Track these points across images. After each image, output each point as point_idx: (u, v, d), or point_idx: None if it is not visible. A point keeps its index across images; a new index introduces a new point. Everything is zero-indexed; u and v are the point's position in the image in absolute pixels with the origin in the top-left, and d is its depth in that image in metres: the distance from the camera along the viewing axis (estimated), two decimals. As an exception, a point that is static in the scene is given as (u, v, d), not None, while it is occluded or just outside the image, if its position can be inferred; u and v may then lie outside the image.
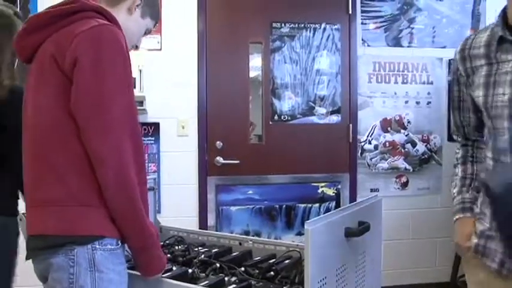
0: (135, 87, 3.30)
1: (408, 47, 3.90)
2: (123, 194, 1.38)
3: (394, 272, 3.76)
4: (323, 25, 3.78)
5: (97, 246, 1.38)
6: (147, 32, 1.73)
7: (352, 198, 3.79)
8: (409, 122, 3.88)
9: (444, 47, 3.92)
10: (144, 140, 3.50)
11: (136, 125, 1.48)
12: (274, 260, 1.81)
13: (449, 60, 3.91)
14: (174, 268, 1.76)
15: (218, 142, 3.61)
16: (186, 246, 2.05)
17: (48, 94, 1.40)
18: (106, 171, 1.35)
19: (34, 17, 1.49)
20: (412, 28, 3.89)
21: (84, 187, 1.38)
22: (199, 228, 3.38)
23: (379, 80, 3.85)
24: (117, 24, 1.51)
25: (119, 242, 1.43)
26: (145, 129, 3.52)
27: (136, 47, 1.73)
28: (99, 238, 1.38)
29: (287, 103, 3.74)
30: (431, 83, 3.92)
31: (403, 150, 3.88)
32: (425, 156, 3.92)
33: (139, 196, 1.41)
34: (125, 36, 1.50)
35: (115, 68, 1.38)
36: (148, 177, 2.43)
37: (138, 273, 1.55)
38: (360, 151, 3.82)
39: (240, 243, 2.01)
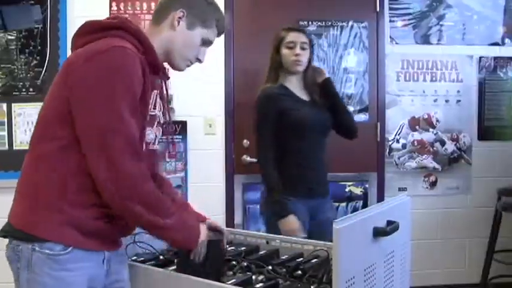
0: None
1: (437, 44, 3.84)
2: (131, 214, 1.42)
3: (422, 273, 3.71)
4: (350, 23, 3.75)
5: (36, 248, 1.38)
6: (207, 43, 1.67)
7: (380, 197, 3.76)
8: (438, 120, 3.83)
9: (475, 44, 3.86)
10: (171, 138, 3.53)
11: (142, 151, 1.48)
12: (301, 259, 1.80)
13: (480, 57, 3.84)
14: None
15: (245, 141, 3.61)
16: (213, 244, 2.05)
17: (53, 95, 1.45)
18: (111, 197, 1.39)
19: (85, 23, 1.53)
20: (442, 25, 3.83)
21: (51, 186, 1.41)
22: (226, 227, 3.38)
23: (407, 78, 3.81)
24: (147, 47, 1.50)
25: (68, 249, 1.40)
26: (172, 128, 3.54)
27: (199, 60, 1.68)
28: (40, 240, 1.38)
29: (314, 101, 3.72)
30: (461, 81, 3.86)
31: (431, 149, 3.83)
32: (455, 155, 3.86)
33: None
34: (171, 54, 1.59)
35: (123, 94, 1.37)
36: (175, 175, 2.45)
37: (161, 269, 1.57)
38: (387, 150, 3.78)
39: (267, 242, 2.01)
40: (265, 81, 2.70)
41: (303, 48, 2.62)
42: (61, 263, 1.40)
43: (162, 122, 1.65)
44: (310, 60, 2.71)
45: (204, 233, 1.60)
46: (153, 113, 1.56)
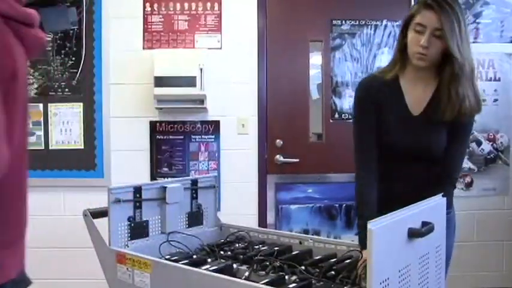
0: (195, 85, 3.34)
1: (474, 42, 3.76)
2: None
3: (458, 275, 3.64)
4: (384, 22, 3.71)
5: None
6: None
7: (414, 198, 3.70)
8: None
9: (514, 42, 3.78)
10: (205, 138, 3.56)
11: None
12: (334, 259, 1.79)
13: (518, 55, 3.77)
14: (234, 265, 1.78)
15: (278, 140, 3.61)
16: (246, 244, 2.06)
17: None
18: None
19: None
20: (478, 23, 3.76)
21: None
22: (259, 226, 3.39)
23: (443, 77, 3.74)
24: None
25: None
26: (205, 128, 3.57)
27: None
28: None
29: (347, 101, 3.69)
30: (499, 80, 3.77)
31: (467, 149, 3.75)
32: (492, 155, 3.78)
33: None
34: None
35: None
36: (208, 175, 2.46)
37: (194, 269, 1.58)
38: (422, 150, 3.73)
39: (300, 242, 2.01)
40: (387, 65, 2.07)
41: (435, 36, 1.83)
42: None
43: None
44: (454, 61, 1.83)
45: None
46: None
